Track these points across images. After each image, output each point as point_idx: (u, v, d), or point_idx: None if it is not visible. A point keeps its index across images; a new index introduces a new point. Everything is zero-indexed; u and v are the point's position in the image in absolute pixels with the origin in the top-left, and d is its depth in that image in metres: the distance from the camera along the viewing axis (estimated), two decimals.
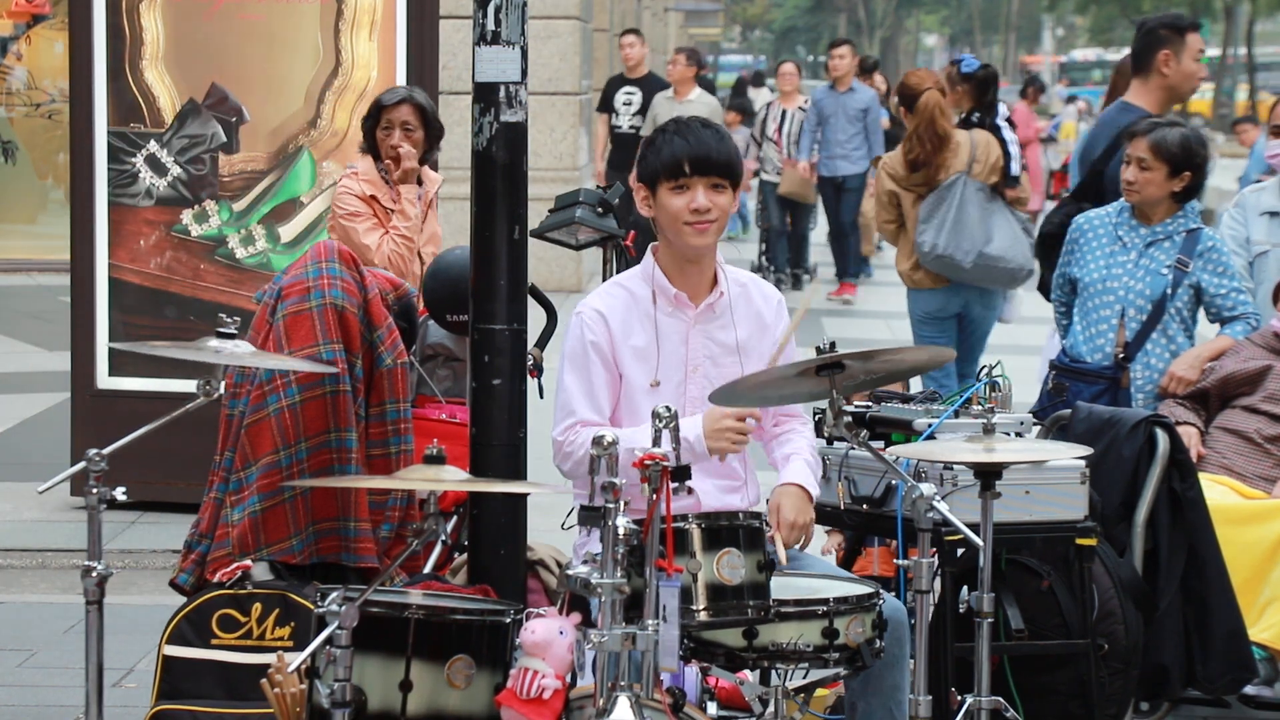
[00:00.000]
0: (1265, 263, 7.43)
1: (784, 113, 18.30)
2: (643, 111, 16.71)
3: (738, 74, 40.48)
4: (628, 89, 17.00)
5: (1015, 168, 9.98)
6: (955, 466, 5.50)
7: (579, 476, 5.00)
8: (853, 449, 5.71)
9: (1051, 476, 5.67)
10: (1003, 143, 9.82)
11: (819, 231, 20.95)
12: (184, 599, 5.59)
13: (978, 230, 9.39)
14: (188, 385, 5.40)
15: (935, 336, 9.61)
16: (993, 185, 9.58)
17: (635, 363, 5.12)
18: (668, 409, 4.42)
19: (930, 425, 5.63)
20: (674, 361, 5.14)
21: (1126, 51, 8.69)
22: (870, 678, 4.97)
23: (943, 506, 4.76)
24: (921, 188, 9.57)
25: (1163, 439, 6.14)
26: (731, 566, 4.53)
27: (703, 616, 4.51)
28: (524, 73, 5.26)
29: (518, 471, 5.27)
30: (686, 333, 5.15)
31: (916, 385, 7.30)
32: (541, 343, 6.48)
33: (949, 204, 9.43)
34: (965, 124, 9.85)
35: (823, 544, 7.05)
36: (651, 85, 17.00)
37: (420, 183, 7.68)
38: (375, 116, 7.65)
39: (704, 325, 5.17)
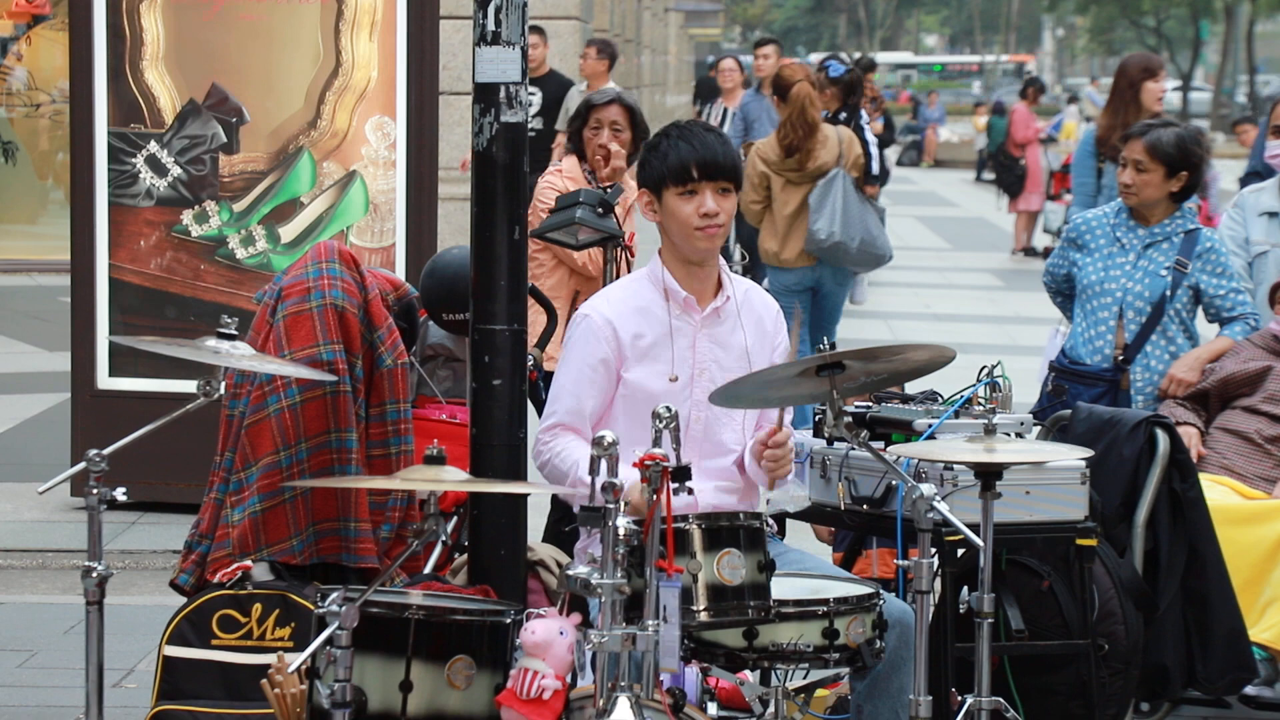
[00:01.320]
0: (1264, 263, 7.44)
1: (725, 111, 17.95)
2: (543, 112, 16.19)
3: None
4: (529, 89, 16.51)
5: (875, 167, 11.68)
6: (955, 467, 5.50)
7: (547, 480, 5.08)
8: (853, 449, 5.71)
9: (1052, 477, 5.67)
10: (864, 143, 11.12)
11: None
12: (184, 599, 5.59)
13: (858, 219, 10.31)
14: (188, 385, 5.40)
15: (787, 307, 10.62)
16: (855, 179, 10.60)
17: (648, 363, 5.11)
18: (668, 409, 4.42)
19: (930, 425, 5.63)
20: (682, 364, 5.14)
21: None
22: (876, 680, 4.97)
23: (943, 507, 4.76)
24: (793, 172, 10.46)
25: (1163, 439, 6.14)
26: (732, 567, 4.53)
27: (703, 617, 4.51)
28: (524, 73, 5.26)
29: (518, 471, 5.26)
30: (694, 336, 5.15)
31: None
32: (542, 343, 6.47)
33: (835, 195, 10.30)
34: (831, 122, 11.00)
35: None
36: (552, 84, 16.38)
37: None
38: (584, 116, 7.67)
39: (710, 329, 5.17)
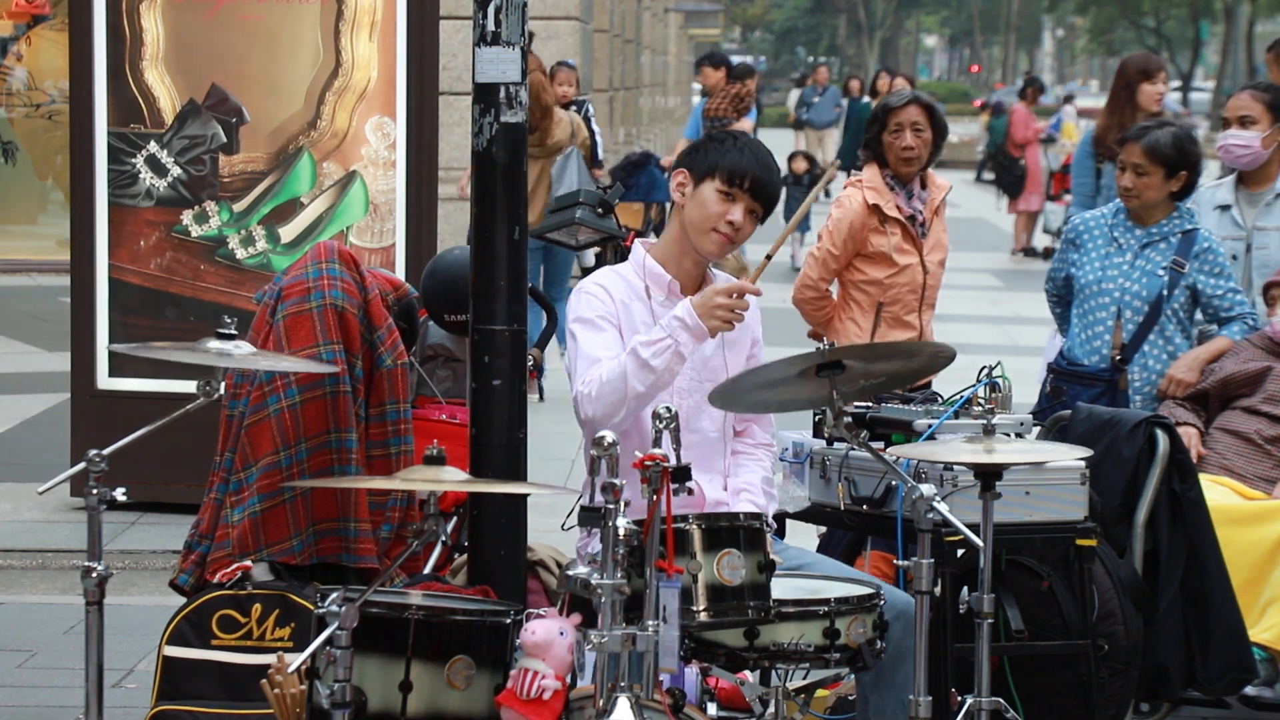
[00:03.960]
0: None
1: None
2: None
3: None
4: None
5: (600, 152, 14.28)
6: (955, 467, 5.49)
7: (607, 409, 5.01)
8: (853, 449, 5.70)
9: (1051, 477, 5.67)
10: (591, 132, 13.59)
11: None
12: (184, 599, 5.59)
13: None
14: (188, 386, 5.39)
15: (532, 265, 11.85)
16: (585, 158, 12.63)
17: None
18: (668, 409, 4.43)
19: (930, 426, 5.63)
20: None
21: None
22: (882, 672, 4.99)
23: (943, 507, 4.76)
24: (534, 147, 11.75)
25: (1163, 439, 6.14)
26: (732, 567, 4.54)
27: (703, 617, 4.51)
28: (524, 73, 5.27)
29: (518, 472, 5.27)
30: None
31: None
32: (541, 343, 6.48)
33: (572, 167, 12.17)
34: (564, 108, 13.04)
35: None
36: None
37: (924, 185, 7.54)
38: (882, 121, 7.48)
39: None
